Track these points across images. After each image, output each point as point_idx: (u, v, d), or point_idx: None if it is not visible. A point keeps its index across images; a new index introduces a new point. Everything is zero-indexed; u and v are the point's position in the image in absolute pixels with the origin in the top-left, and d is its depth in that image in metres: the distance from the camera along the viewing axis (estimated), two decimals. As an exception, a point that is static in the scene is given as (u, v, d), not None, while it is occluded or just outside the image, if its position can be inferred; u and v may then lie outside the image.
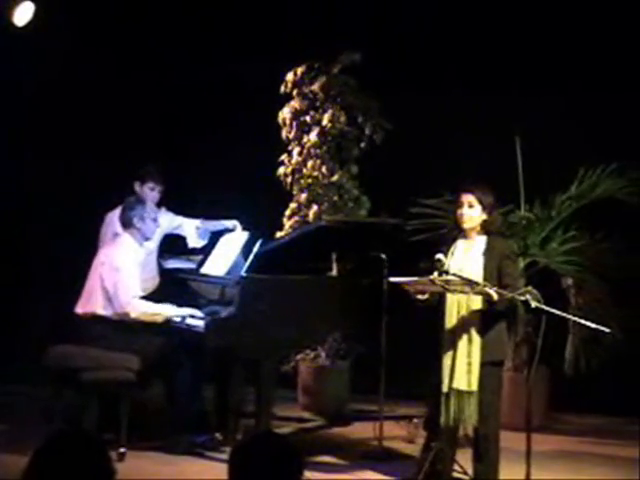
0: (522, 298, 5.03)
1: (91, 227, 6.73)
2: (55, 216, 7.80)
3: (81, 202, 7.50)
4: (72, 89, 7.86)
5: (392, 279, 5.51)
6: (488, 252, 5.29)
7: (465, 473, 5.39)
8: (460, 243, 5.38)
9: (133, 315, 6.05)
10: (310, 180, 7.54)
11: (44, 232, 7.83)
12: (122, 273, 6.10)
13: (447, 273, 5.15)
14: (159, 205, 6.71)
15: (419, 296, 5.28)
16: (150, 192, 6.67)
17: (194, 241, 6.80)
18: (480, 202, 5.29)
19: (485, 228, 5.34)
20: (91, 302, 6.14)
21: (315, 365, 7.55)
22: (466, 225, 5.32)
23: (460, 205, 5.32)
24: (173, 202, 6.87)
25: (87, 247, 6.55)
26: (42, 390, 6.26)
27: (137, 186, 6.70)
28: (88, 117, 7.88)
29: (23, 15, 7.02)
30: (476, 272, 5.22)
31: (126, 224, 6.26)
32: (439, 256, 5.20)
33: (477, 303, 5.22)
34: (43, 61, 7.68)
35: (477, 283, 5.12)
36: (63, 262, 7.26)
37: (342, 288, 6.15)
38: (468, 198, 5.31)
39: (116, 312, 6.06)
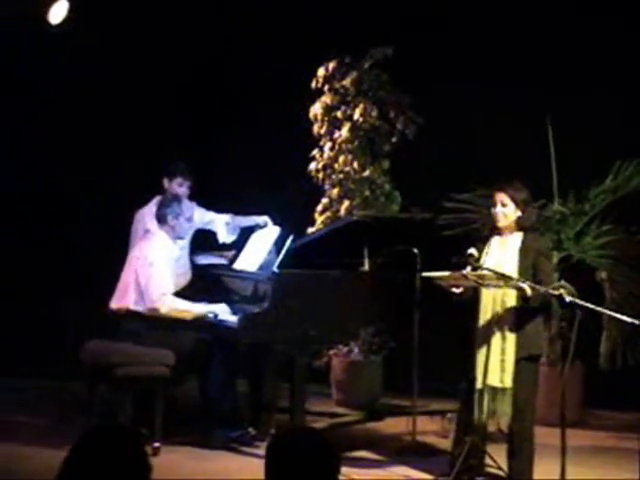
0: (556, 293, 5.02)
1: (124, 224, 6.77)
2: (88, 213, 7.86)
3: (114, 199, 7.55)
4: (104, 85, 7.91)
5: (424, 274, 5.51)
6: (523, 249, 5.29)
7: (500, 469, 5.38)
8: (495, 240, 5.38)
9: (163, 311, 6.08)
10: (342, 175, 7.55)
11: (78, 229, 7.88)
12: (155, 268, 6.14)
13: (480, 268, 5.15)
14: (189, 200, 6.74)
15: (454, 289, 5.28)
16: (178, 188, 6.70)
17: (224, 236, 6.82)
18: (513, 200, 5.30)
19: (520, 225, 5.34)
20: (125, 297, 6.19)
21: (348, 360, 7.56)
22: (501, 224, 5.33)
23: (494, 204, 5.34)
24: (204, 198, 6.90)
25: (121, 243, 6.61)
26: (77, 385, 6.32)
27: (166, 182, 6.73)
28: (120, 113, 7.92)
29: (58, 13, 7.08)
30: (511, 269, 5.22)
31: (161, 221, 6.31)
32: (472, 250, 5.21)
33: (512, 299, 5.21)
34: (76, 57, 7.75)
35: (510, 278, 5.12)
36: (97, 258, 7.31)
37: (374, 283, 6.15)
38: (501, 197, 5.32)
39: (146, 307, 6.11)
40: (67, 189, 7.95)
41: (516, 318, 5.22)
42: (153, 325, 6.09)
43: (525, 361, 5.23)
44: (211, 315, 6.11)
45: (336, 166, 7.56)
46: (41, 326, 7.68)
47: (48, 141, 8.00)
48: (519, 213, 5.32)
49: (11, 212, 7.88)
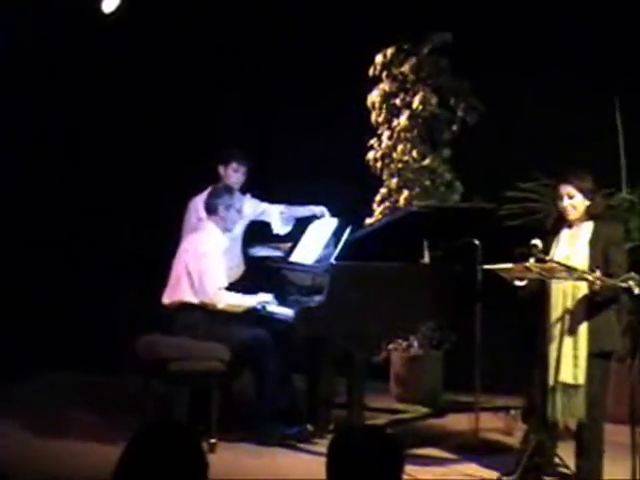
0: (624, 285, 4.94)
1: (177, 215, 6.81)
2: (141, 204, 7.90)
3: (166, 189, 7.59)
4: (156, 73, 7.96)
5: (486, 266, 5.47)
6: (594, 239, 5.22)
7: (566, 467, 5.32)
8: (565, 232, 5.31)
9: (220, 306, 6.12)
10: (400, 165, 7.52)
11: (131, 222, 7.94)
12: (208, 260, 6.16)
13: (544, 259, 5.09)
14: (244, 191, 6.76)
15: (517, 282, 5.23)
16: (234, 174, 6.72)
17: (278, 227, 6.82)
18: (579, 190, 5.24)
19: (589, 213, 5.27)
20: (177, 290, 6.21)
21: (408, 355, 7.53)
22: (571, 217, 5.27)
23: (560, 197, 5.28)
24: (258, 188, 6.91)
25: (175, 236, 6.65)
26: (131, 381, 6.37)
27: (221, 169, 6.75)
28: (172, 102, 7.96)
29: (111, 2, 7.14)
30: (582, 261, 5.16)
31: (211, 211, 6.32)
32: (535, 241, 5.15)
33: (583, 292, 5.14)
34: (129, 47, 7.81)
35: (575, 269, 5.06)
36: (150, 251, 7.35)
37: (434, 275, 6.12)
38: (567, 189, 5.26)
39: (202, 301, 6.13)
40: (121, 183, 8.01)
41: (588, 312, 5.16)
42: (208, 319, 6.12)
43: (597, 358, 5.17)
44: (259, 307, 6.14)
45: (395, 155, 7.53)
46: (94, 320, 7.75)
47: (98, 133, 8.06)
48: (587, 202, 5.25)
49: (62, 206, 7.96)
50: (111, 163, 8.00)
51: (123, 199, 7.99)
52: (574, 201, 5.25)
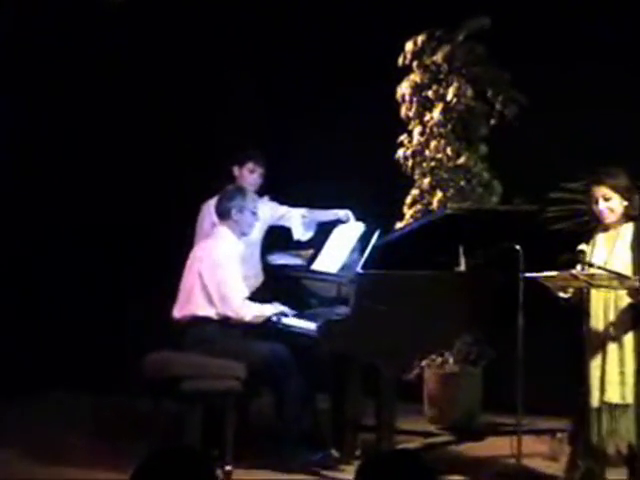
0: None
1: (187, 219, 6.83)
2: (147, 207, 7.93)
3: (175, 192, 7.62)
4: (169, 67, 8.00)
5: (528, 274, 5.45)
6: (636, 241, 5.20)
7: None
8: (600, 237, 5.29)
9: (248, 319, 6.13)
10: (433, 163, 7.51)
11: (134, 228, 7.96)
12: (223, 271, 6.16)
13: (591, 266, 5.07)
14: (261, 194, 6.76)
15: (561, 293, 5.20)
16: (250, 175, 6.74)
17: (299, 233, 6.83)
18: (615, 190, 5.23)
19: (627, 214, 5.25)
20: (190, 303, 6.22)
21: (442, 372, 7.52)
22: (609, 220, 5.25)
23: (595, 200, 5.25)
24: (277, 190, 6.91)
25: (185, 244, 6.66)
26: (140, 401, 6.38)
27: (236, 170, 6.77)
28: (179, 98, 7.99)
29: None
30: (624, 265, 5.14)
31: (223, 215, 6.32)
32: (582, 247, 5.14)
33: (627, 301, 5.12)
34: (138, 36, 7.85)
35: (626, 277, 5.04)
36: (159, 259, 7.38)
37: (471, 285, 6.11)
38: (602, 191, 5.24)
39: (225, 314, 6.12)
40: (127, 184, 8.04)
41: (633, 323, 5.13)
42: (223, 333, 6.12)
43: (646, 373, 5.14)
44: (275, 318, 6.13)
45: (427, 153, 7.52)
46: (99, 335, 7.78)
47: (98, 132, 8.10)
48: (625, 202, 5.23)
49: (62, 211, 8.00)
50: (115, 163, 8.03)
51: (128, 202, 8.03)
52: (611, 203, 5.23)
